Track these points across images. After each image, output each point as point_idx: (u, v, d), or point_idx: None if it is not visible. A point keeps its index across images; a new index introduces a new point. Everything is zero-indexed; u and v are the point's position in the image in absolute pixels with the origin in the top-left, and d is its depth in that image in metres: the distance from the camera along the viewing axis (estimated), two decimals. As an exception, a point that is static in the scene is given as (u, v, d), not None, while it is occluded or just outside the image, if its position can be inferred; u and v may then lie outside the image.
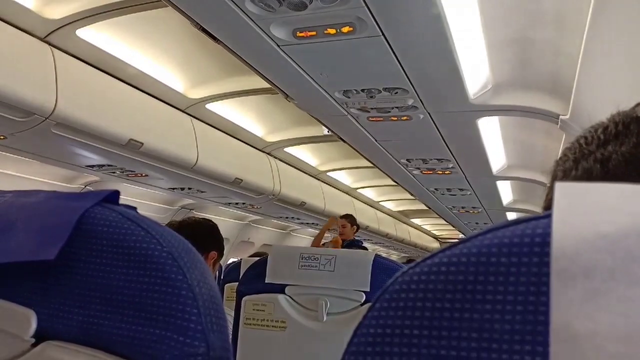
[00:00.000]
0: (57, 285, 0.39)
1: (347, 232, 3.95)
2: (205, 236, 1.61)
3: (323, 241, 4.29)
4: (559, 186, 0.25)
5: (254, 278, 1.32)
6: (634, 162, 0.40)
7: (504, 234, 0.28)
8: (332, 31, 1.44)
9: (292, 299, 1.27)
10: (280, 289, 1.28)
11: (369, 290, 1.20)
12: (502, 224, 0.28)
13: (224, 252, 1.85)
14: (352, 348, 0.30)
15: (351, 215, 4.15)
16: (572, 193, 0.25)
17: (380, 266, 1.22)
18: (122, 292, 0.37)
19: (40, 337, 0.39)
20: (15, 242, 0.40)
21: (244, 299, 1.31)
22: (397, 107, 2.04)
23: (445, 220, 6.92)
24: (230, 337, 1.39)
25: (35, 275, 0.40)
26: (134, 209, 0.44)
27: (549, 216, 0.26)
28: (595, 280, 0.23)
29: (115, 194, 0.42)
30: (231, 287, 2.29)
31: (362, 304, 1.21)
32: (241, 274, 2.25)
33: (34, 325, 0.39)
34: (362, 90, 1.92)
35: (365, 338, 0.30)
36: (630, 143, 0.41)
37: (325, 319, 1.23)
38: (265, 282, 1.29)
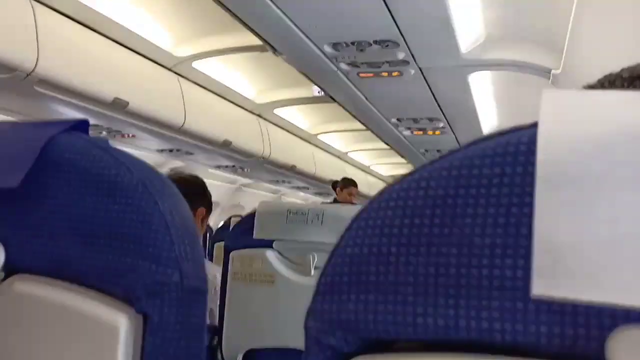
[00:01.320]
0: (25, 215, 0.37)
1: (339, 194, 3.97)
2: (192, 192, 1.58)
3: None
4: (546, 94, 0.23)
5: (242, 234, 1.32)
6: None
7: (487, 145, 0.26)
8: (321, -21, 1.39)
9: (280, 253, 1.27)
10: (268, 244, 1.28)
11: (357, 243, 1.20)
12: (486, 135, 0.27)
13: (215, 216, 1.84)
14: (329, 269, 0.29)
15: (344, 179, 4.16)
16: (561, 100, 0.23)
17: (369, 219, 1.22)
18: (92, 222, 0.35)
19: (10, 270, 0.38)
20: (-21, 173, 0.38)
21: (231, 253, 1.30)
22: (387, 62, 2.00)
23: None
24: (219, 293, 1.39)
25: (2, 206, 0.38)
26: (106, 141, 0.42)
27: (535, 126, 0.24)
28: (583, 188, 0.22)
29: (84, 123, 0.40)
30: (220, 246, 2.30)
31: (350, 258, 1.21)
32: (230, 233, 2.26)
33: (2, 258, 0.37)
34: (352, 43, 1.87)
35: (342, 259, 0.29)
36: None
37: (313, 273, 1.23)
38: (253, 237, 1.28)
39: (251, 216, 1.33)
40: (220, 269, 1.40)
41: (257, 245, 1.29)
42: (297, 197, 7.59)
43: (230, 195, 5.94)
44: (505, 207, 0.25)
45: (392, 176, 8.51)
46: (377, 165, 7.70)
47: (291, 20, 1.65)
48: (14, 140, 0.38)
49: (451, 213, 0.26)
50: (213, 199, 1.74)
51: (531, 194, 0.24)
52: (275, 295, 1.27)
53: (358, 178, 6.98)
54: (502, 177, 0.25)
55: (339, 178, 6.40)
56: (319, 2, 1.54)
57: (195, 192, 1.63)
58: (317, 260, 1.24)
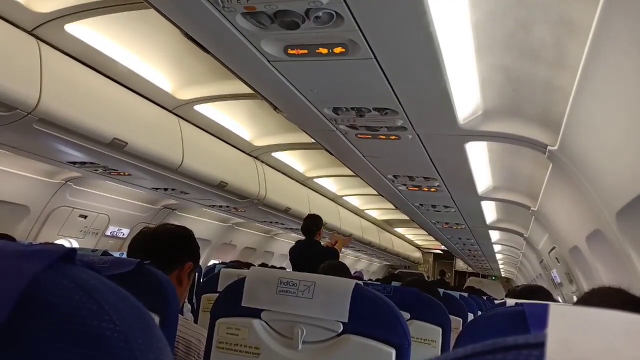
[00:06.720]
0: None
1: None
2: (180, 247, 1.55)
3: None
4: (554, 311, 0.22)
5: (230, 299, 1.28)
6: None
7: None
8: (324, 51, 1.41)
9: (268, 324, 1.23)
10: (256, 313, 1.24)
11: (346, 321, 1.16)
12: (488, 346, 0.26)
13: (205, 254, 1.79)
14: None
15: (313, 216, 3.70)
16: (568, 322, 0.22)
17: (361, 296, 1.19)
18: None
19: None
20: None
21: (217, 321, 1.27)
22: (386, 127, 2.02)
23: (427, 233, 6.93)
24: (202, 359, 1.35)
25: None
26: (93, 268, 0.40)
27: (542, 345, 0.23)
28: None
29: (72, 252, 0.39)
30: (208, 298, 2.25)
31: (339, 335, 1.17)
32: (219, 286, 2.22)
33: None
34: (352, 109, 1.89)
35: None
36: None
37: (300, 347, 1.19)
38: (242, 305, 1.25)
39: (240, 282, 1.31)
40: (206, 332, 1.36)
41: (245, 314, 1.25)
42: (289, 238, 7.54)
43: (221, 233, 5.89)
44: None
45: (385, 220, 8.47)
46: (370, 210, 7.68)
47: (293, 86, 1.68)
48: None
49: None
50: (204, 236, 1.70)
51: None
52: (260, 368, 1.23)
53: (351, 221, 6.95)
54: None
55: (333, 221, 6.36)
56: (320, 71, 1.56)
57: (182, 246, 1.60)
58: (305, 334, 1.20)
